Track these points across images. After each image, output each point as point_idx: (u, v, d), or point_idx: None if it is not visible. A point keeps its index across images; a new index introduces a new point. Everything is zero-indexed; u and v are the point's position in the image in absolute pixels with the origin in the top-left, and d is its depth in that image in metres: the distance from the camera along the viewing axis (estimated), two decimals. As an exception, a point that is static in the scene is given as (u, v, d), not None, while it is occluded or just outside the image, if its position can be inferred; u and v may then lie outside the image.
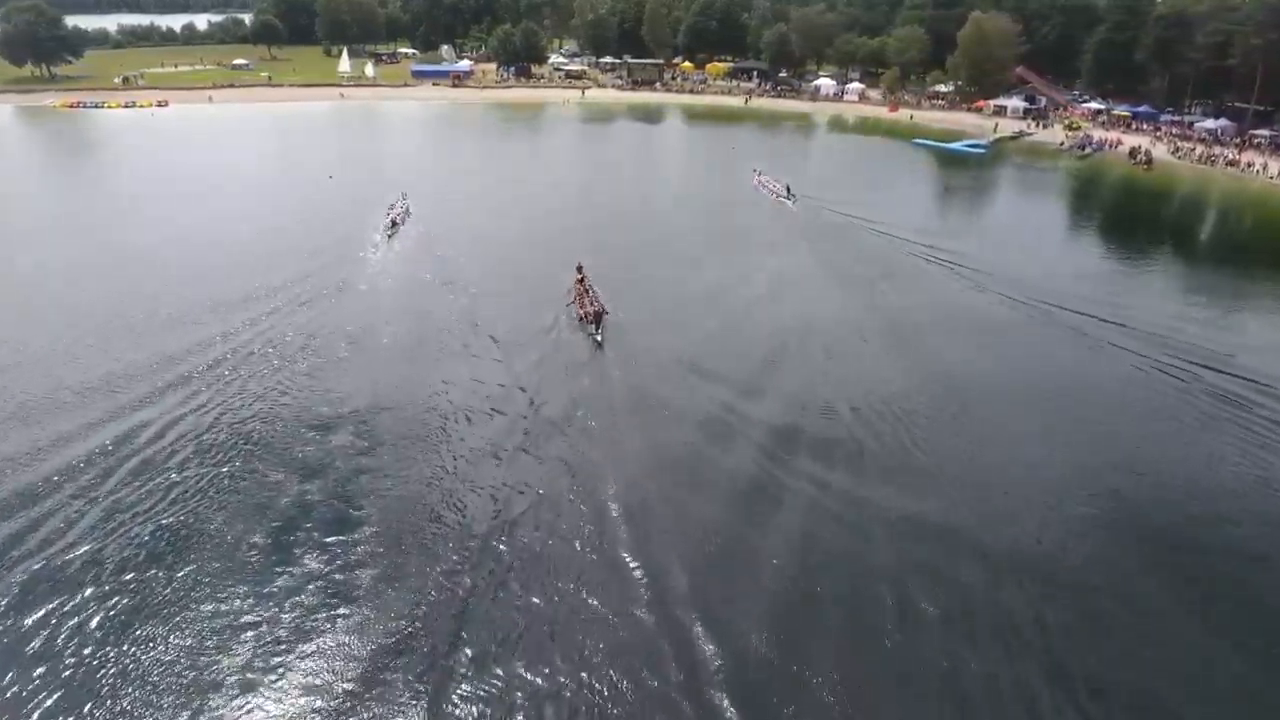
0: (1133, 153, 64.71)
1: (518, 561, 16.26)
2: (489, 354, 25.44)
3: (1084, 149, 67.68)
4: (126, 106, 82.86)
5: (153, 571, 15.81)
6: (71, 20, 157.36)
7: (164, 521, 17.25)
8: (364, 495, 18.21)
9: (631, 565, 16.14)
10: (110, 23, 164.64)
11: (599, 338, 26.26)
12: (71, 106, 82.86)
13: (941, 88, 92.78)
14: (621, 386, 23.64)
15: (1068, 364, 26.09)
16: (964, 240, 39.95)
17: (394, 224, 40.55)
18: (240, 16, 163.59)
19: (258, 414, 21.66)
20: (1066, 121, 78.59)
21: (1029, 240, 42.55)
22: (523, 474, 19.02)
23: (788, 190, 47.55)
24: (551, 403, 22.41)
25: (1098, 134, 72.08)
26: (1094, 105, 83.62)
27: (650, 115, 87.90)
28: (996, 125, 77.73)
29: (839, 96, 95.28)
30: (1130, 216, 50.48)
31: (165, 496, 18.03)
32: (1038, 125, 78.49)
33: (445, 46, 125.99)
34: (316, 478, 18.84)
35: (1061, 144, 70.12)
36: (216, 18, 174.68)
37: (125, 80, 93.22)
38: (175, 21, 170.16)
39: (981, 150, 66.86)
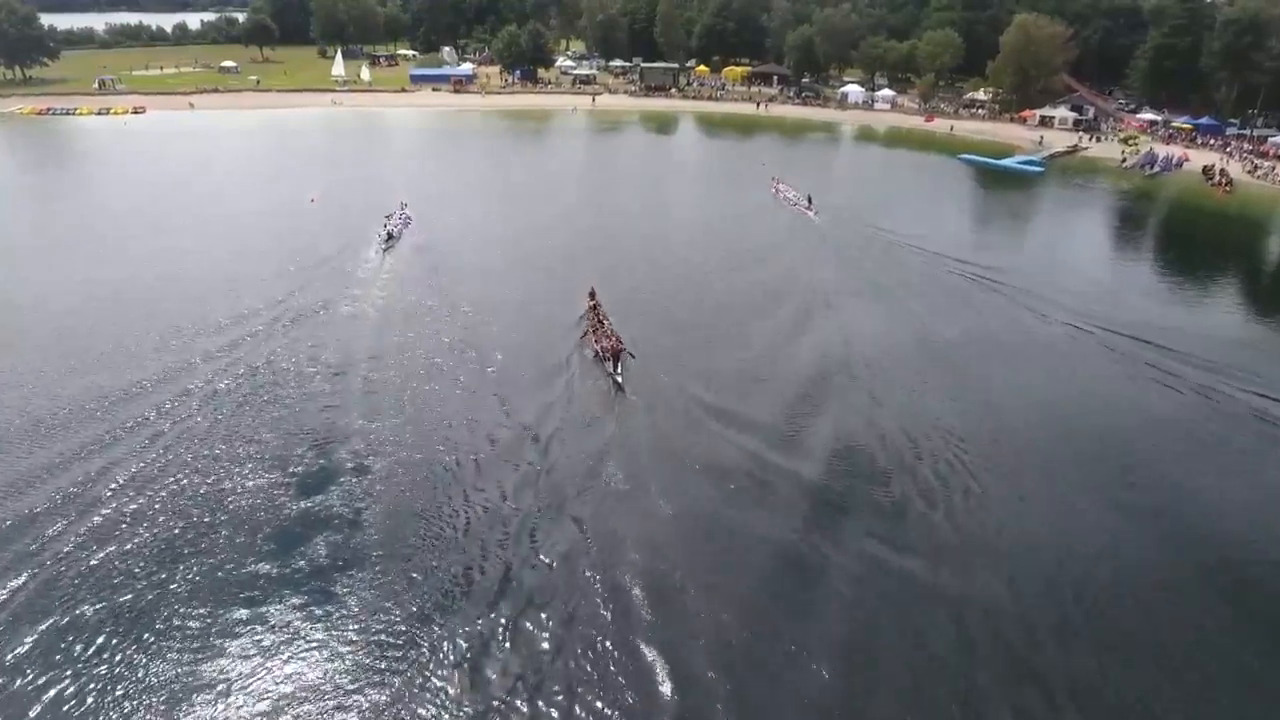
0: (1206, 172, 58.14)
1: (527, 654, 14.56)
2: (496, 394, 23.36)
3: (1151, 167, 60.99)
4: (100, 113, 76.40)
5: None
6: (62, 19, 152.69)
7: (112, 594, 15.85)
8: (350, 570, 16.45)
9: (655, 663, 14.37)
10: (109, 21, 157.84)
11: (618, 378, 24.01)
12: (40, 113, 76.48)
13: (980, 95, 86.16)
14: (645, 436, 21.42)
15: (1161, 415, 23.56)
16: (1033, 274, 35.54)
17: (390, 236, 38.11)
18: (234, 15, 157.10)
19: (210, 482, 19.21)
20: (1122, 135, 72.02)
21: (1109, 277, 37.44)
22: (534, 543, 17.32)
23: (809, 200, 45.41)
24: (567, 457, 20.37)
25: (1162, 150, 65.38)
26: (1149, 116, 77.04)
27: (666, 124, 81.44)
28: (1042, 138, 71.18)
29: (869, 105, 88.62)
30: (1222, 251, 43.68)
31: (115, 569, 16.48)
32: (1091, 139, 71.88)
33: (446, 49, 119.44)
34: (294, 556, 16.78)
35: (1123, 161, 63.45)
36: (210, 17, 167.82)
37: (101, 84, 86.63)
38: (168, 20, 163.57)
39: (1038, 168, 60.22)
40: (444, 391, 23.66)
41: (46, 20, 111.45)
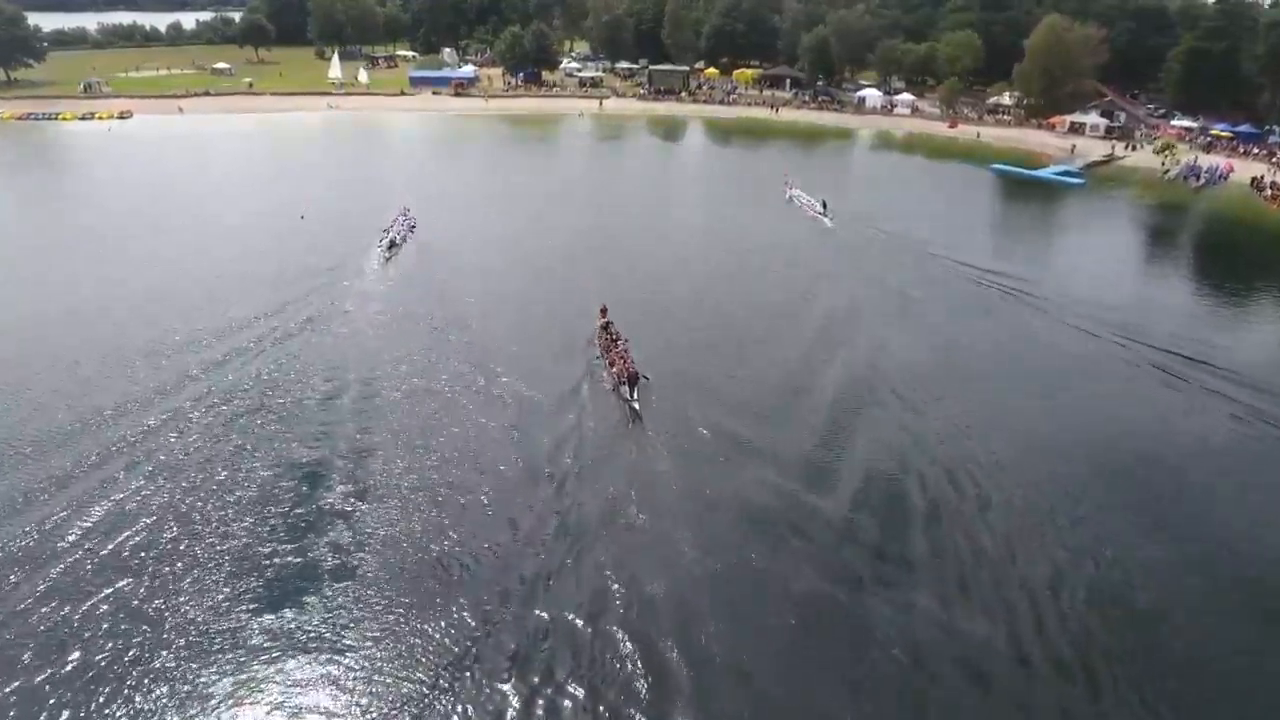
0: (1255, 183, 54.56)
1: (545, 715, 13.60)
2: (506, 424, 22.02)
3: (1196, 179, 57.37)
4: (84, 119, 72.80)
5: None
6: (57, 19, 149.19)
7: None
8: (352, 623, 15.43)
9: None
10: (101, 20, 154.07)
11: (635, 405, 22.68)
12: (20, 118, 72.78)
13: (1004, 99, 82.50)
14: (665, 471, 20.18)
15: (1218, 443, 22.40)
16: (1081, 295, 33.24)
17: (393, 243, 36.75)
18: (231, 15, 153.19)
19: (191, 524, 18.06)
20: (1158, 142, 68.36)
21: (1166, 298, 35.09)
22: (550, 597, 16.11)
23: (824, 205, 44.47)
24: (584, 495, 19.14)
25: (1204, 159, 61.72)
26: (1185, 123, 73.37)
27: (678, 130, 77.79)
28: (1074, 146, 67.58)
29: (888, 109, 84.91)
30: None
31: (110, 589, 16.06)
32: (1126, 147, 68.24)
33: (447, 50, 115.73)
34: (287, 610, 15.73)
35: (1164, 172, 59.83)
36: (205, 16, 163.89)
37: (87, 88, 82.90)
38: (165, 20, 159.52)
39: (1077, 180, 56.57)
40: (451, 421, 22.23)
41: (38, 20, 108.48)
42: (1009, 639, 15.44)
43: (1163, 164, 61.44)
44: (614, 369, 24.02)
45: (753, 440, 21.54)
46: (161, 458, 20.31)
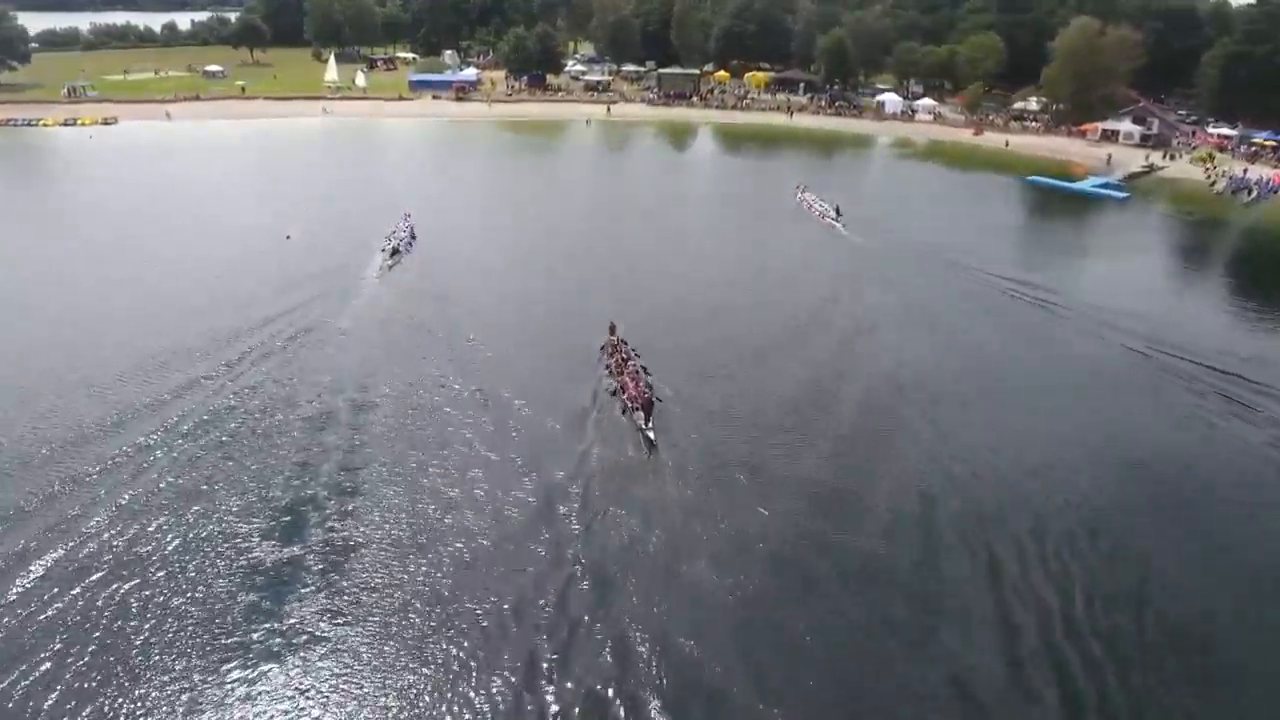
0: (1310, 198, 50.97)
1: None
2: (510, 455, 20.49)
3: (1248, 193, 53.69)
4: (66, 124, 69.28)
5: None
6: (53, 19, 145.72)
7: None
8: (353, 681, 14.02)
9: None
10: (94, 21, 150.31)
11: (651, 434, 21.19)
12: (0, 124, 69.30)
13: (1030, 105, 78.88)
14: (686, 512, 18.66)
15: None
16: (1149, 321, 30.37)
17: (395, 252, 35.26)
18: (227, 15, 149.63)
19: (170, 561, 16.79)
20: (1198, 152, 64.70)
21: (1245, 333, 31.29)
22: (567, 640, 14.68)
23: (837, 211, 43.27)
24: (597, 534, 17.74)
25: (1253, 171, 58.02)
26: (1223, 130, 69.69)
27: (689, 137, 74.30)
28: (1110, 156, 63.91)
29: (908, 115, 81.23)
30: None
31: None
32: (1164, 156, 64.58)
33: (448, 52, 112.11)
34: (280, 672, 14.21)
35: (1211, 184, 56.14)
36: (202, 17, 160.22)
37: (71, 92, 79.30)
38: (163, 20, 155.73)
39: (1121, 194, 52.90)
40: (452, 454, 20.61)
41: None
42: (1060, 694, 14.22)
43: (1208, 176, 57.78)
44: (626, 394, 22.63)
45: (777, 470, 20.22)
46: (129, 496, 18.80)
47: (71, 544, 17.07)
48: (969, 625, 15.58)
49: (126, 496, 18.67)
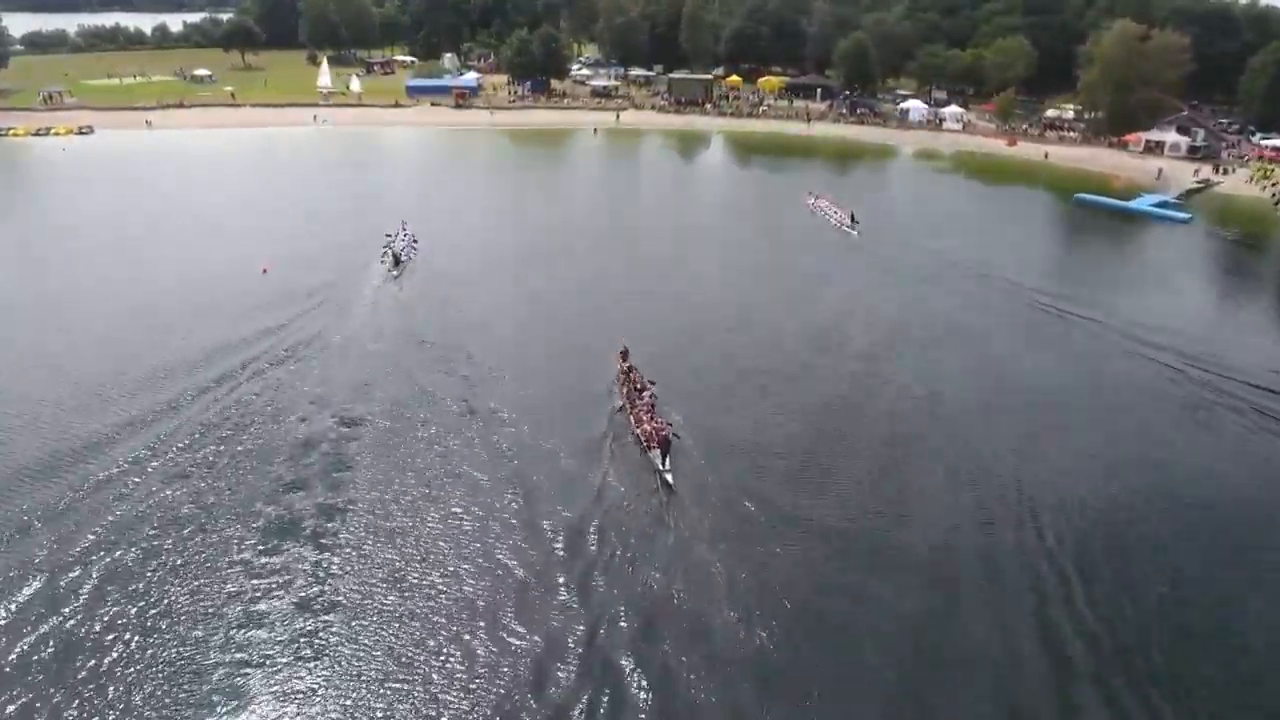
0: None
1: None
2: (515, 496, 19.04)
3: (1321, 213, 49.11)
4: (38, 134, 64.83)
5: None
6: (49, 20, 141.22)
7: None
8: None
9: None
10: (82, 22, 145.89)
11: (668, 475, 19.68)
12: (-32, 134, 64.83)
13: (1065, 113, 74.40)
14: (708, 562, 17.02)
15: None
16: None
17: (397, 260, 34.48)
18: (220, 17, 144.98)
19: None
20: (1254, 166, 60.10)
21: None
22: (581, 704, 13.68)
23: (852, 218, 42.55)
24: (608, 599, 16.02)
25: (1319, 187, 53.39)
26: (1275, 141, 65.17)
27: (703, 147, 69.85)
28: (1161, 170, 59.40)
29: (935, 123, 76.68)
30: None
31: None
32: (1216, 170, 60.10)
33: (448, 55, 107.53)
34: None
35: (1276, 202, 51.52)
36: (195, 18, 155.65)
37: (47, 98, 74.76)
38: (156, 22, 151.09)
39: (1181, 215, 48.37)
40: (450, 495, 19.31)
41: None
42: None
43: (1273, 194, 53.15)
44: (640, 428, 21.32)
45: (801, 512, 18.90)
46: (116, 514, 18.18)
47: (63, 559, 16.72)
48: (1008, 689, 14.41)
49: (119, 510, 18.25)
